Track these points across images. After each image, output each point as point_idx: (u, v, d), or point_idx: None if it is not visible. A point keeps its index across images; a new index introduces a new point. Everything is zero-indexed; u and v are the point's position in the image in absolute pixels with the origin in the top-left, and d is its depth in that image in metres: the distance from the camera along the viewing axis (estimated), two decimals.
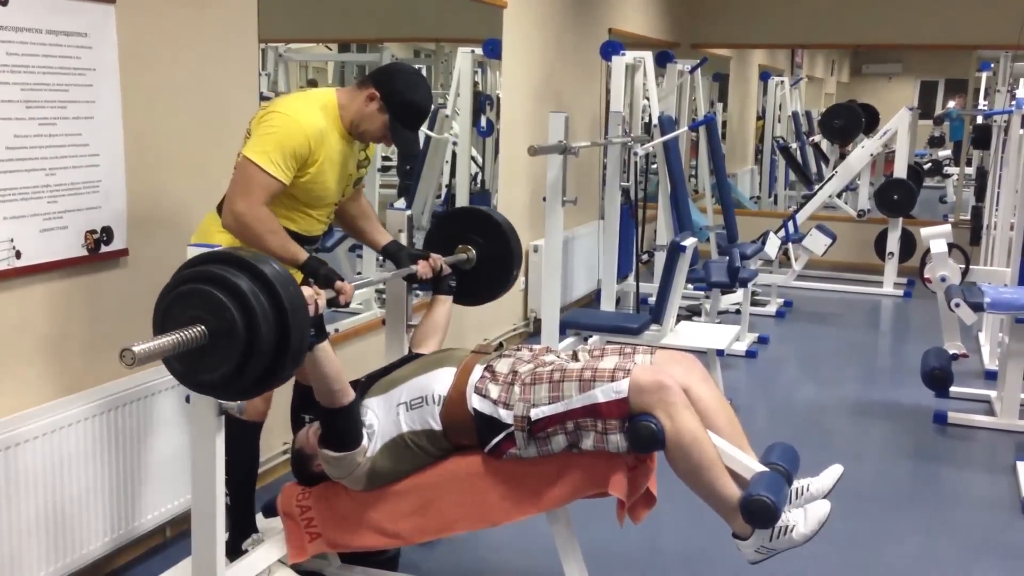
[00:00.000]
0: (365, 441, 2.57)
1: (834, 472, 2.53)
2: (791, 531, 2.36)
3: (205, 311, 2.01)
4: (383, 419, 2.62)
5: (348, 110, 2.70)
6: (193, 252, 2.33)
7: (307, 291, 2.32)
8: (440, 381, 2.60)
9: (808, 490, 2.49)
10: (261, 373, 2.06)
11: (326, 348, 2.45)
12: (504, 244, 3.22)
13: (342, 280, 2.64)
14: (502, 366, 2.61)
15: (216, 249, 2.21)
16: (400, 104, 2.68)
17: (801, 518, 2.37)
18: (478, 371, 2.59)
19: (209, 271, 2.06)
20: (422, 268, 3.01)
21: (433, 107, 4.33)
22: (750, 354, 5.75)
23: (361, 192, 3.04)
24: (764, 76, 10.57)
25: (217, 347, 2.02)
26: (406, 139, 2.74)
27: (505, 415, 2.48)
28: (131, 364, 1.86)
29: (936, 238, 4.90)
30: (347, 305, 2.79)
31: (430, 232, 3.33)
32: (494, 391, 2.52)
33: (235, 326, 2.00)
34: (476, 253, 3.22)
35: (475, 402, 2.53)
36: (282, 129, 2.56)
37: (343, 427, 2.55)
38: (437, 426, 2.57)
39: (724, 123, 9.92)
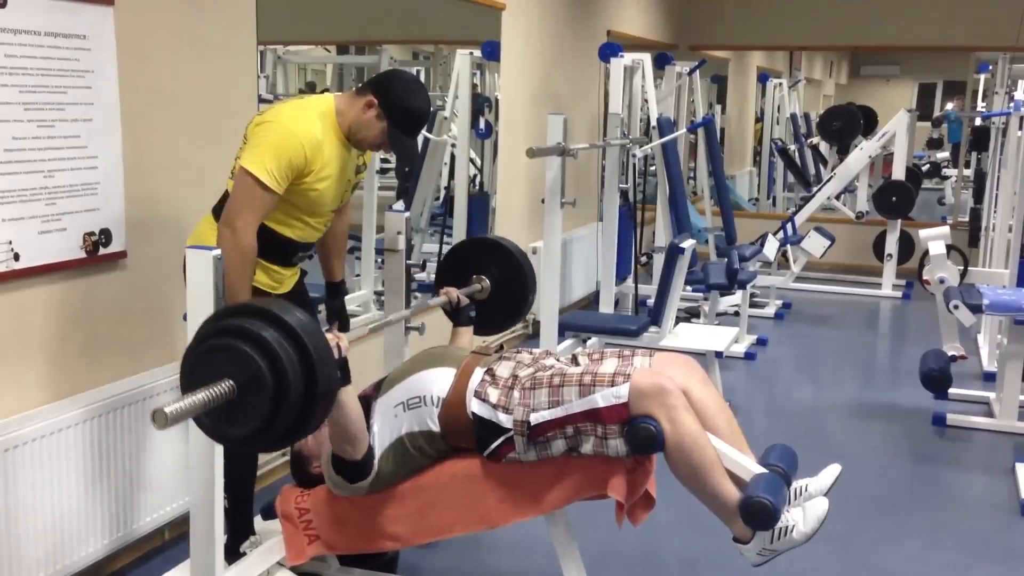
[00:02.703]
0: (374, 464, 2.58)
1: (832, 471, 2.53)
2: (791, 531, 2.36)
3: (232, 365, 2.00)
4: (383, 424, 2.62)
5: (346, 117, 2.70)
6: (191, 254, 2.34)
7: (329, 337, 2.32)
8: (438, 381, 2.59)
9: (807, 490, 2.49)
10: (291, 424, 2.03)
11: (350, 392, 2.46)
12: (517, 271, 3.21)
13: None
14: (502, 370, 2.61)
15: (237, 302, 2.18)
16: (398, 111, 2.67)
17: (800, 517, 2.37)
18: (478, 374, 2.59)
19: (233, 324, 2.05)
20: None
21: (432, 109, 4.34)
22: (749, 356, 5.74)
23: (348, 209, 3.05)
24: (762, 78, 10.58)
25: (246, 400, 2.00)
26: (404, 146, 2.74)
27: (504, 419, 2.48)
28: (163, 426, 1.84)
29: (935, 240, 4.90)
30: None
31: (442, 264, 3.31)
32: (493, 395, 2.52)
33: (263, 378, 1.98)
34: (490, 282, 3.21)
35: (474, 406, 2.52)
36: (278, 140, 2.55)
37: (357, 470, 2.56)
38: (436, 427, 2.57)
39: (723, 130, 9.91)
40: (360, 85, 2.77)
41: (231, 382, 1.98)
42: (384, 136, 2.70)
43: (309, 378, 2.02)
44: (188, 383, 2.04)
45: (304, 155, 2.58)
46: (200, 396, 1.93)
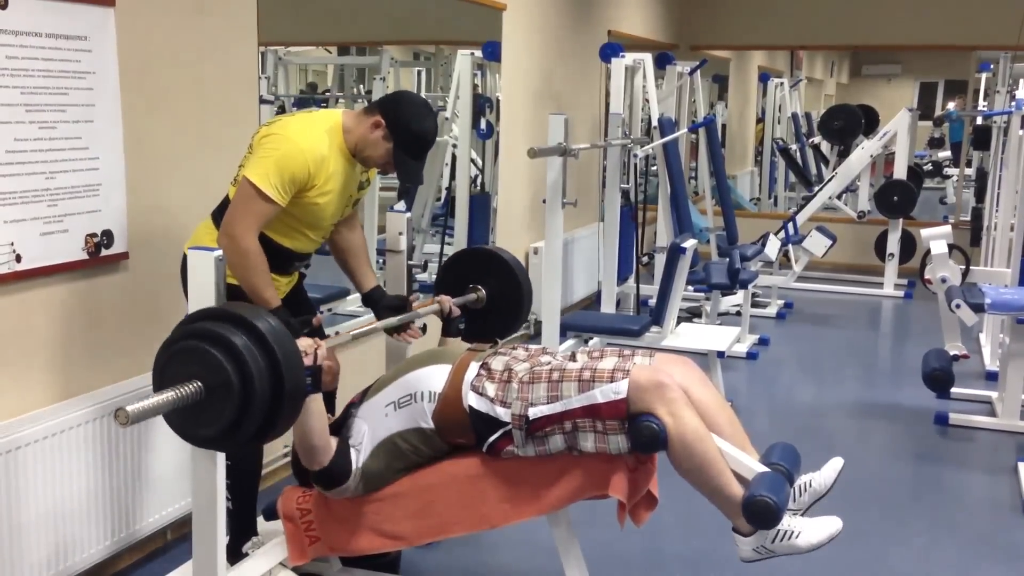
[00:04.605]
0: (354, 467, 2.60)
1: (835, 465, 2.52)
2: (794, 536, 2.35)
3: (201, 367, 2.05)
4: (372, 424, 2.63)
5: (352, 134, 2.71)
6: (192, 255, 2.34)
7: (306, 342, 2.34)
8: (433, 378, 2.60)
9: (811, 486, 2.48)
10: (259, 426, 2.09)
11: (318, 399, 2.48)
12: (513, 281, 3.21)
13: (318, 317, 2.81)
14: (498, 364, 2.61)
15: (212, 306, 2.21)
16: (405, 133, 2.68)
17: (809, 527, 2.36)
18: (474, 368, 2.59)
19: (205, 328, 2.09)
20: (408, 335, 2.97)
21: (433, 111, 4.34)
22: (751, 356, 5.74)
23: (357, 222, 3.04)
24: (763, 77, 10.58)
25: (214, 403, 2.05)
26: (409, 168, 2.75)
27: (502, 413, 2.48)
28: (125, 424, 1.90)
29: (936, 239, 4.90)
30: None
31: (440, 274, 3.32)
32: (491, 389, 2.52)
33: (230, 382, 2.03)
34: (486, 292, 3.21)
35: (471, 400, 2.52)
36: (284, 153, 2.56)
37: (329, 477, 2.59)
38: (427, 425, 2.57)
39: (723, 126, 9.91)
40: (369, 105, 2.78)
41: (199, 383, 2.04)
42: (389, 156, 2.71)
43: (276, 383, 2.07)
44: (158, 382, 2.09)
45: (308, 170, 2.60)
46: (166, 396, 1.99)
